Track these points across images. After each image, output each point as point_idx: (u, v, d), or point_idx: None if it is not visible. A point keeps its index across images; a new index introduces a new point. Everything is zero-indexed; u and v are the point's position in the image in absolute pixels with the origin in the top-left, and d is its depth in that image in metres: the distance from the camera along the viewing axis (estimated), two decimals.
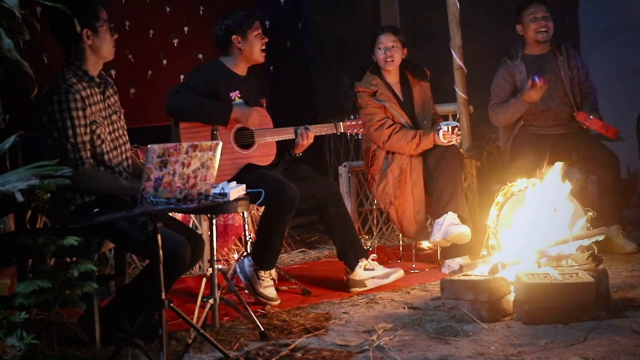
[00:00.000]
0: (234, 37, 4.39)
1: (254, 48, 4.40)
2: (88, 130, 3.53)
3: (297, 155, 4.52)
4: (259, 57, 4.44)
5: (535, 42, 5.12)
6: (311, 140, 4.46)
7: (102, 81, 3.68)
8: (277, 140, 4.42)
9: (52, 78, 3.57)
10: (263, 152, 4.39)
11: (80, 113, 3.50)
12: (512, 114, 5.04)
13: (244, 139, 4.36)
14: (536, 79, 4.80)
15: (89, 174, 3.50)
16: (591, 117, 4.94)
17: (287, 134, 4.43)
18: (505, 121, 5.13)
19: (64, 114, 3.47)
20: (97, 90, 3.64)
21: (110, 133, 3.65)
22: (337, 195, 4.50)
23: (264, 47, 4.44)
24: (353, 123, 4.59)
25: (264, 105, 4.55)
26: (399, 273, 4.46)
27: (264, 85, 4.70)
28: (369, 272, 4.42)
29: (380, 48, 4.86)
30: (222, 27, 4.41)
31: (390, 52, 4.84)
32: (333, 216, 4.43)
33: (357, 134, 4.68)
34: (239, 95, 4.40)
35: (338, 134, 4.57)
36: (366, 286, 4.40)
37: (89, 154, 3.52)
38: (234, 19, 4.39)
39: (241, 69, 4.47)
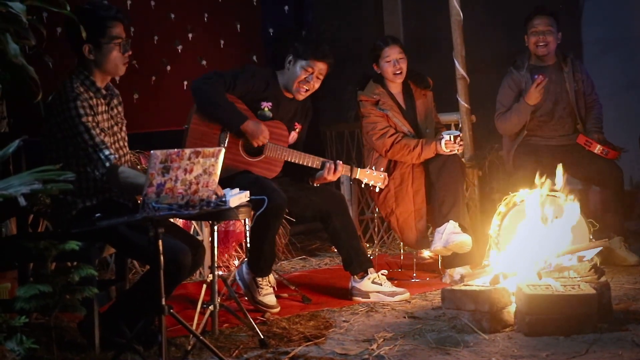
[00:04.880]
0: (290, 57, 4.43)
1: (293, 77, 4.42)
2: (99, 132, 3.54)
3: (315, 185, 4.49)
4: (293, 90, 4.43)
5: (536, 55, 5.13)
6: (335, 178, 4.48)
7: (108, 93, 3.70)
8: (287, 160, 4.39)
9: (60, 84, 3.58)
10: (267, 166, 4.37)
11: (90, 118, 3.52)
12: (517, 119, 5.03)
13: (253, 146, 4.34)
14: (536, 76, 4.84)
15: (119, 168, 3.47)
16: (591, 142, 4.93)
17: (306, 160, 4.40)
18: (512, 128, 5.11)
19: (75, 120, 3.48)
20: (102, 101, 3.65)
21: (111, 144, 3.66)
22: (342, 205, 4.49)
23: (305, 90, 4.44)
24: (374, 174, 4.57)
25: (298, 129, 4.54)
26: (405, 295, 4.38)
27: (310, 111, 4.67)
28: (376, 285, 4.39)
29: (388, 61, 4.82)
30: (291, 44, 4.46)
31: (399, 64, 4.82)
32: (338, 226, 4.41)
33: (373, 187, 4.63)
34: (269, 107, 4.41)
35: (352, 177, 4.56)
36: (369, 298, 4.37)
37: (112, 150, 3.52)
38: (303, 44, 4.45)
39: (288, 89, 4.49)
